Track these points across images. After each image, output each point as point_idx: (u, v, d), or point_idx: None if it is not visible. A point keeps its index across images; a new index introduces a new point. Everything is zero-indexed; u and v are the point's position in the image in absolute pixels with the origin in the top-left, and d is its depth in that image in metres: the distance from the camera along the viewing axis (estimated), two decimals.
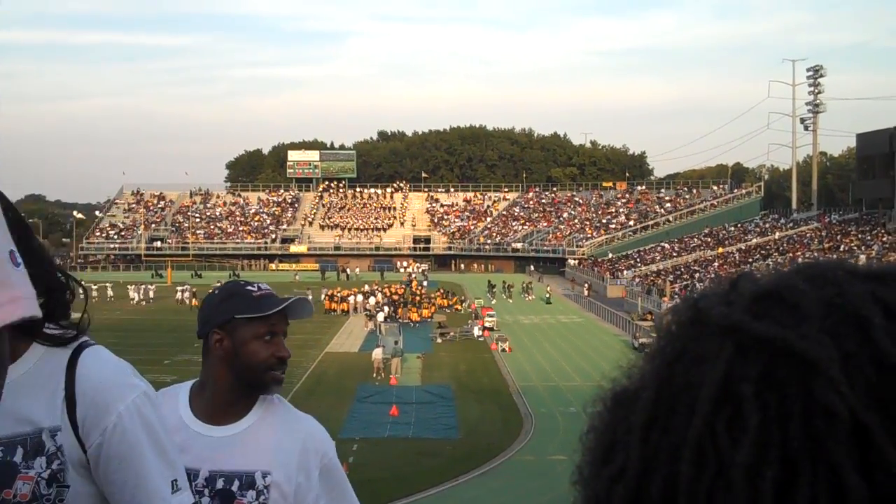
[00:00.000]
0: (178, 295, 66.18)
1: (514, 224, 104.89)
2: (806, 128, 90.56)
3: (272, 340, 2.70)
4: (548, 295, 69.21)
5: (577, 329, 54.69)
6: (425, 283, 73.81)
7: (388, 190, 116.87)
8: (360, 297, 61.15)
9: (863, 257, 52.00)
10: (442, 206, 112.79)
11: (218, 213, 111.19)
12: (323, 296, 62.54)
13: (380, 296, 61.62)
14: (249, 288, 2.74)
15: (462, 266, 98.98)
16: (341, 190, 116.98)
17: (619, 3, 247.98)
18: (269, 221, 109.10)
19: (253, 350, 2.66)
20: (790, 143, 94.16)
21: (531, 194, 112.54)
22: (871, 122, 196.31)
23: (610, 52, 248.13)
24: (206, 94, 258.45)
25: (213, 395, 2.71)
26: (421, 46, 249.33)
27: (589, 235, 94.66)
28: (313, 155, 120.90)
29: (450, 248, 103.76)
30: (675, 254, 77.64)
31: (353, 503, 2.79)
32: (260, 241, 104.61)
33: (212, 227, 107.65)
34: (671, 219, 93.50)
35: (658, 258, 77.90)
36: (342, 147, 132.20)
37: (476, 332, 50.22)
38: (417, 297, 62.88)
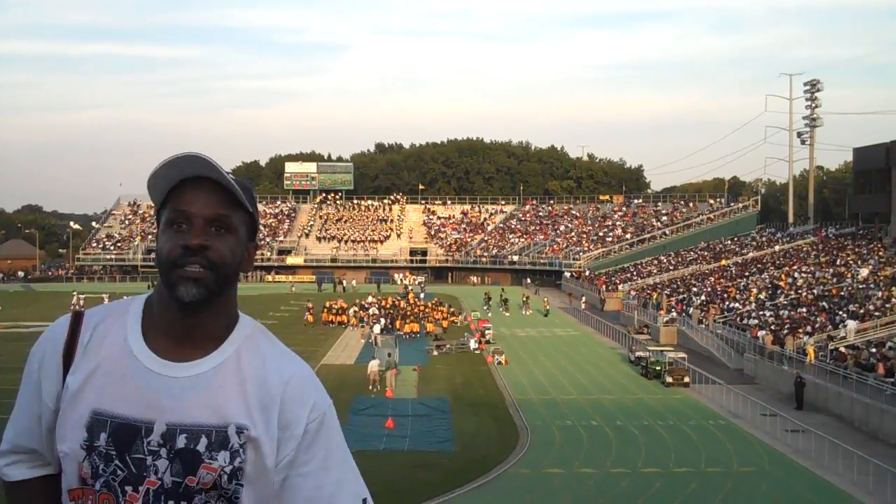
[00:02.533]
0: None
1: (510, 237, 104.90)
2: (803, 142, 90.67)
3: (185, 229, 2.06)
4: (547, 309, 69.09)
5: (574, 342, 54.63)
6: (422, 296, 73.73)
7: (385, 202, 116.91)
8: (352, 310, 60.94)
9: (863, 271, 52.05)
10: (439, 218, 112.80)
11: None
12: (323, 307, 62.57)
13: (376, 308, 61.52)
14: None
15: (451, 277, 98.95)
16: (338, 202, 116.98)
17: (616, 17, 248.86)
18: (265, 233, 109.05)
19: (160, 245, 2.08)
20: (787, 158, 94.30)
21: (528, 207, 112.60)
22: (867, 137, 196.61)
23: (607, 65, 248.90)
24: (203, 106, 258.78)
25: (159, 317, 2.11)
26: (419, 60, 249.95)
27: (586, 248, 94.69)
28: (311, 167, 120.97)
29: (447, 261, 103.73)
30: (671, 267, 77.65)
31: (348, 474, 2.14)
32: (257, 252, 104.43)
33: None
34: (668, 232, 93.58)
35: (655, 271, 77.90)
36: (339, 159, 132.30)
37: (472, 344, 50.14)
38: (417, 310, 62.67)
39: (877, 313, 41.92)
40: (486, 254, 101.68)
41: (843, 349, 37.22)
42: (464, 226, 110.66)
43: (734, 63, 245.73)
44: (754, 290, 55.54)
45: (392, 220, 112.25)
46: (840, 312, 43.76)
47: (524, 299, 72.52)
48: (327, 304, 63.63)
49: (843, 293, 48.11)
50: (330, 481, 2.08)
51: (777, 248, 71.42)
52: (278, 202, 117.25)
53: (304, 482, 2.06)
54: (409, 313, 60.27)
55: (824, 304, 46.53)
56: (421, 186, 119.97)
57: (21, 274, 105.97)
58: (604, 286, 76.13)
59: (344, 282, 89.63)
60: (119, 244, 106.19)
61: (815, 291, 50.49)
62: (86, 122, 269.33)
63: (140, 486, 1.98)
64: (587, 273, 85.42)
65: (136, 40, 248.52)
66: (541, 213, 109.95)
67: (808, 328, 42.23)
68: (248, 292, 79.07)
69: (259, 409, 2.03)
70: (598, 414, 34.45)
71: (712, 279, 65.01)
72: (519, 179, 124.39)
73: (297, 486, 2.06)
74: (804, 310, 46.56)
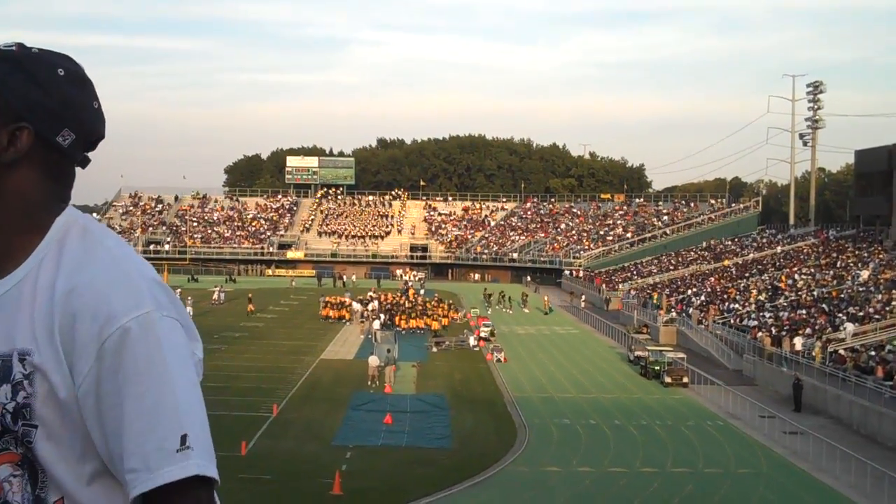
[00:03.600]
0: (215, 296, 69.07)
1: (511, 234, 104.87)
2: (805, 143, 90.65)
3: None
4: (549, 308, 68.94)
5: (573, 340, 54.63)
6: (422, 292, 73.73)
7: (386, 198, 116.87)
8: (357, 305, 60.92)
9: (863, 273, 52.03)
10: (440, 214, 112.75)
11: (216, 218, 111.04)
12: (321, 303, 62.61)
13: (376, 303, 61.48)
14: None
15: (451, 274, 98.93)
16: (339, 197, 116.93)
17: (619, 16, 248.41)
18: (266, 227, 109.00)
19: None
20: (789, 159, 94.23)
21: (529, 205, 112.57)
22: (869, 139, 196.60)
23: (610, 64, 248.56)
24: (205, 99, 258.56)
25: None
26: (421, 55, 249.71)
27: (586, 247, 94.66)
28: (312, 161, 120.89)
29: (447, 258, 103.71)
30: (671, 267, 77.65)
31: (165, 398, 1.58)
32: (257, 246, 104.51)
33: (209, 231, 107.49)
34: (669, 232, 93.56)
35: (655, 271, 77.90)
36: (341, 154, 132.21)
37: (471, 341, 50.14)
38: (420, 307, 62.49)
39: (876, 316, 41.90)
40: (486, 251, 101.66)
41: (842, 352, 37.22)
42: (464, 223, 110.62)
43: (737, 64, 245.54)
44: (754, 291, 55.53)
45: (393, 216, 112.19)
46: (840, 315, 43.74)
47: (523, 297, 72.48)
48: (329, 300, 63.53)
49: (843, 295, 48.09)
50: (137, 412, 1.56)
51: (777, 249, 71.40)
52: (279, 196, 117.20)
53: (107, 416, 1.58)
54: (409, 309, 60.18)
55: (824, 305, 46.52)
56: (422, 182, 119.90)
57: None
58: (603, 285, 76.12)
59: (344, 277, 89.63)
60: (120, 235, 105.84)
61: (815, 293, 50.48)
62: None
63: None
64: (582, 273, 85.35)
65: (137, 32, 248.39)
66: (542, 211, 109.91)
67: (808, 330, 42.22)
68: (249, 286, 79.05)
69: (44, 328, 1.63)
70: (596, 413, 34.45)
71: (712, 279, 65.00)
72: (520, 177, 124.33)
73: (100, 423, 1.59)
74: (804, 311, 46.55)
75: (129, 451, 1.55)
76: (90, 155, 1.81)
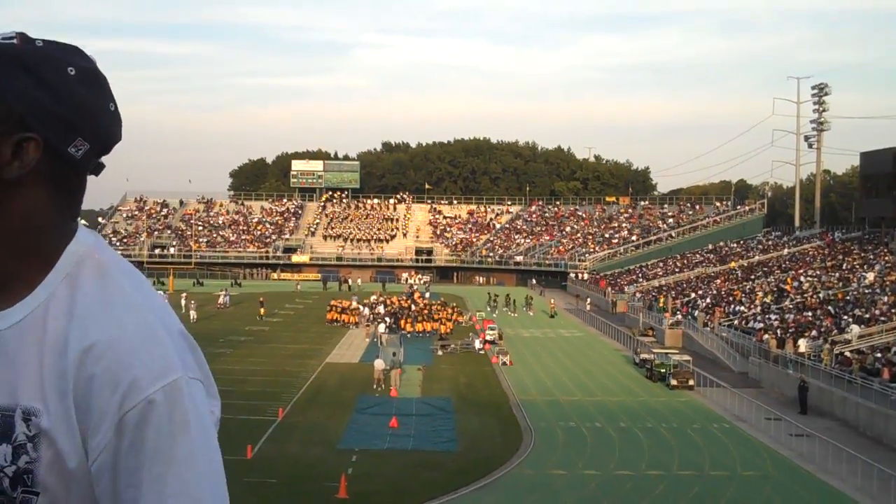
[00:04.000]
0: (220, 300, 68.54)
1: (516, 237, 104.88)
2: (810, 146, 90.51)
3: None
4: (554, 311, 68.80)
5: (578, 343, 54.60)
6: (427, 295, 73.73)
7: (392, 201, 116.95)
8: (366, 310, 60.79)
9: (868, 275, 51.92)
10: (445, 218, 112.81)
11: (221, 222, 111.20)
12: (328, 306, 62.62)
13: (382, 307, 61.46)
14: None
15: (456, 277, 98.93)
16: (344, 200, 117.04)
17: (623, 19, 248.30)
18: (271, 231, 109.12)
19: None
20: (794, 161, 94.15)
21: (534, 208, 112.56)
22: (875, 141, 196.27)
23: (614, 67, 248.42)
24: (210, 103, 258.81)
25: None
26: (425, 59, 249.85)
27: (591, 250, 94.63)
28: (317, 165, 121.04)
29: (452, 261, 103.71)
30: (677, 269, 77.58)
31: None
32: (262, 250, 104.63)
33: (215, 235, 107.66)
34: (674, 234, 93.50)
35: (660, 273, 77.83)
36: (346, 157, 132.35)
37: (477, 344, 50.14)
38: (426, 310, 62.36)
39: (882, 318, 41.82)
40: (491, 254, 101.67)
41: (848, 354, 37.16)
42: (469, 226, 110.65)
43: (742, 66, 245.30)
44: (760, 294, 55.46)
45: (398, 220, 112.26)
46: (845, 317, 43.68)
47: (527, 300, 72.42)
48: (334, 304, 63.46)
49: (848, 297, 48.01)
50: (158, 499, 1.36)
51: (783, 251, 71.32)
52: (284, 200, 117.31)
53: (124, 495, 1.38)
54: (416, 312, 60.11)
55: (830, 308, 46.45)
56: (427, 186, 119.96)
57: None
58: (608, 288, 76.06)
59: (349, 280, 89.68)
60: (125, 240, 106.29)
61: (820, 295, 50.40)
62: None
63: None
64: (587, 276, 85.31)
65: (142, 37, 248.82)
66: (547, 214, 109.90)
67: (814, 332, 42.16)
68: (255, 290, 79.14)
69: (55, 389, 1.40)
70: (601, 416, 34.43)
71: (718, 282, 64.94)
72: (525, 180, 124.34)
73: (115, 502, 1.40)
74: (810, 314, 46.48)
75: None
76: (104, 160, 1.56)
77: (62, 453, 1.38)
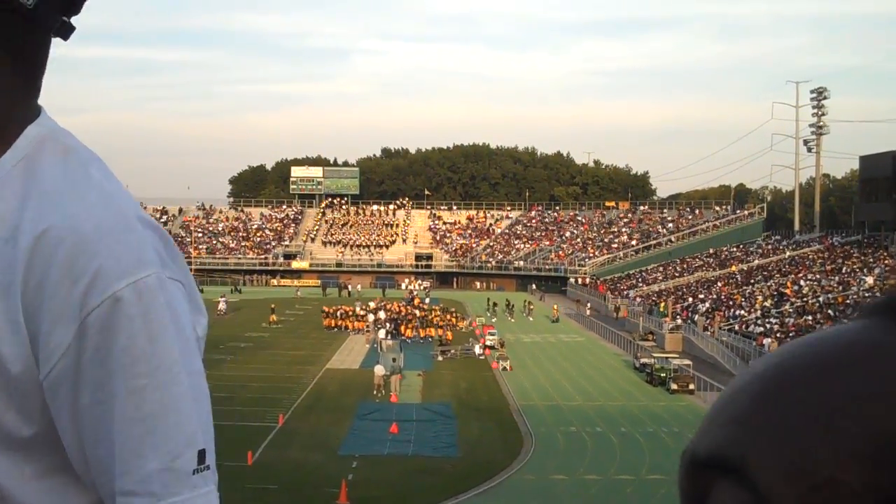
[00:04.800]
0: (220, 306, 67.31)
1: (516, 242, 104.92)
2: (809, 150, 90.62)
3: None
4: (556, 316, 68.71)
5: (579, 348, 54.60)
6: (427, 301, 73.74)
7: (391, 207, 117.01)
8: (370, 316, 60.71)
9: (868, 279, 51.97)
10: (444, 223, 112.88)
11: (220, 228, 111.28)
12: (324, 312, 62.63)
13: (382, 313, 61.44)
14: None
15: (456, 282, 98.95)
16: (344, 206, 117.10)
17: (622, 24, 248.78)
18: (271, 237, 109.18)
19: None
20: (793, 165, 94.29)
21: (534, 213, 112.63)
22: (874, 145, 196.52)
23: (613, 72, 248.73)
24: (209, 110, 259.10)
25: None
26: (424, 64, 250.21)
27: (591, 255, 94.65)
28: (316, 171, 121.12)
29: (452, 266, 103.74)
30: (677, 274, 77.60)
31: (175, 402, 1.13)
32: (262, 256, 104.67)
33: (214, 241, 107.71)
34: (673, 239, 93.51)
35: (660, 278, 77.84)
36: (345, 163, 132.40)
37: (477, 350, 50.14)
38: (428, 317, 62.30)
39: None
40: (491, 259, 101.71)
41: None
42: (469, 231, 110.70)
43: (741, 70, 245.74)
44: (760, 298, 55.48)
45: (397, 225, 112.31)
46: (845, 321, 43.65)
47: (526, 305, 72.42)
48: (327, 310, 63.33)
49: (848, 301, 48.04)
50: (134, 416, 1.11)
51: (783, 255, 71.36)
52: (284, 206, 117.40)
53: (88, 414, 1.12)
54: (417, 318, 60.09)
55: (830, 311, 46.48)
56: (427, 191, 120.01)
57: None
58: (608, 293, 76.05)
59: (349, 286, 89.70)
60: None
61: (820, 299, 50.43)
62: (90, 124, 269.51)
63: None
64: (588, 281, 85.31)
65: (141, 44, 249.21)
66: (546, 219, 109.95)
67: None
68: (254, 296, 79.16)
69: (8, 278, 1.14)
70: (602, 420, 34.42)
71: (718, 286, 64.96)
72: (525, 185, 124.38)
73: (76, 421, 1.14)
74: (810, 318, 46.51)
75: (122, 467, 1.11)
76: (75, 20, 1.24)
77: (2, 357, 1.13)
